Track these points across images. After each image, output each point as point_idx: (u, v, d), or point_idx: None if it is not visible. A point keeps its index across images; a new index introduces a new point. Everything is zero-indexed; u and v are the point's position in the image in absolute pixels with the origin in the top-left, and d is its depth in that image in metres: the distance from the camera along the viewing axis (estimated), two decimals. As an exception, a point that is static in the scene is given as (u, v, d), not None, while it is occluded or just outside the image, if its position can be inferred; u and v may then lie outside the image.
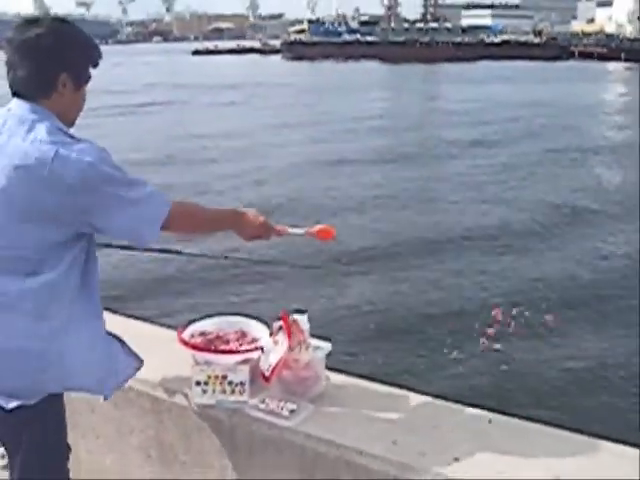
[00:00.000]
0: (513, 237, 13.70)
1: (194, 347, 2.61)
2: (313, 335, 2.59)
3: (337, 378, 2.73)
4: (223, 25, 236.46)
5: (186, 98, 42.75)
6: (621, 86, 61.83)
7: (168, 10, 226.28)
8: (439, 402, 2.60)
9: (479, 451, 2.25)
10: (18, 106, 2.17)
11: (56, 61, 2.18)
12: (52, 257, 2.15)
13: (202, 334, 2.74)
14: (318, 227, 2.69)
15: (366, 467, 2.27)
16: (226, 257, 3.30)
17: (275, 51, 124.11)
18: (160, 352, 2.89)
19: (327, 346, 2.63)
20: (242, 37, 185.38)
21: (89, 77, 2.31)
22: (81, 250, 2.23)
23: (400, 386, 2.71)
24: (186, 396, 2.63)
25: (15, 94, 2.20)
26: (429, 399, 2.61)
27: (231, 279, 10.91)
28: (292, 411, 2.46)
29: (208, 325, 2.84)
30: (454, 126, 30.73)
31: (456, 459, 2.21)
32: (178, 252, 3.04)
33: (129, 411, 2.84)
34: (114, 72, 60.03)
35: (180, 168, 20.41)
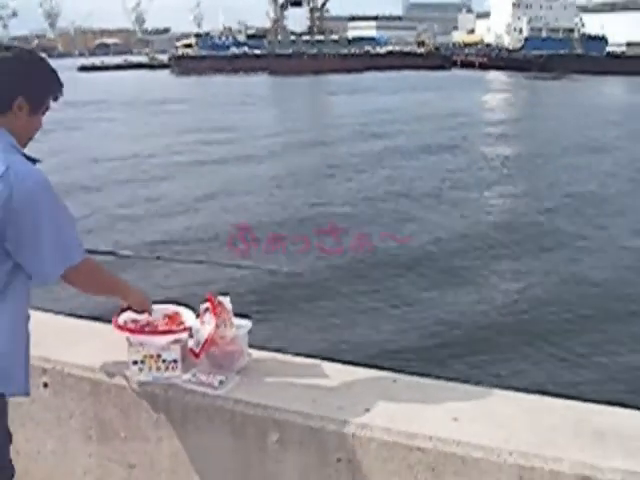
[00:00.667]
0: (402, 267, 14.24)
1: (130, 330, 2.89)
2: (236, 314, 2.92)
3: (259, 354, 3.06)
4: (109, 40, 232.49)
5: (75, 116, 42.20)
6: (501, 93, 64.34)
7: (51, 26, 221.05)
8: (352, 368, 2.97)
9: (386, 403, 2.64)
10: None
11: (15, 84, 2.43)
12: None
13: (134, 321, 3.02)
14: (172, 310, 3.05)
15: (292, 422, 2.61)
16: (158, 257, 3.56)
17: (163, 66, 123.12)
18: (96, 341, 3.19)
19: (248, 324, 2.96)
20: (129, 52, 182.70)
21: (47, 107, 2.56)
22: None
23: (315, 357, 3.08)
24: (124, 376, 2.91)
25: None
26: (342, 366, 2.98)
27: (159, 275, 11.78)
28: (221, 382, 2.78)
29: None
30: (343, 140, 31.50)
31: (367, 410, 2.58)
32: (112, 253, 3.28)
33: (69, 396, 3.08)
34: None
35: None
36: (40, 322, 2.93)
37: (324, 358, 3.06)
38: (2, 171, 2.26)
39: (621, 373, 9.37)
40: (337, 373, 2.91)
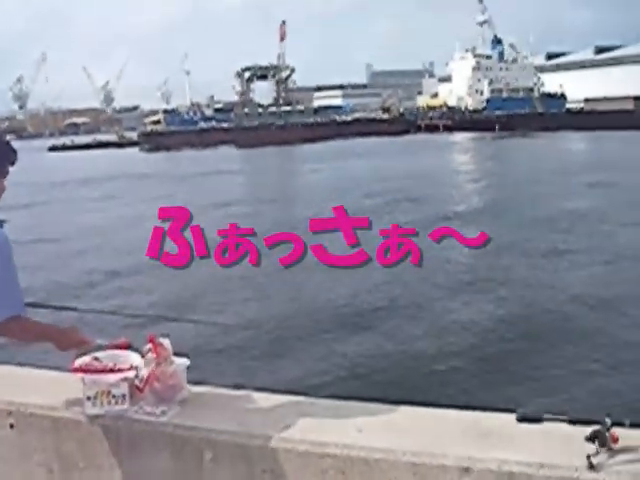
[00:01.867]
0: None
1: (85, 371, 3.34)
2: (175, 354, 3.39)
3: (197, 388, 3.52)
4: (78, 120, 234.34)
5: (44, 198, 42.60)
6: (465, 154, 65.87)
7: (21, 107, 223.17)
8: (275, 395, 3.44)
9: (302, 420, 3.11)
10: None
11: None
12: None
13: (88, 364, 3.47)
14: (119, 341, 3.52)
15: (223, 441, 3.06)
16: (115, 313, 4.05)
17: (133, 143, 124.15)
18: (54, 385, 3.65)
19: (186, 361, 3.43)
20: (98, 131, 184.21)
21: (7, 172, 3.11)
22: None
23: (245, 388, 3.56)
24: (80, 412, 3.36)
25: None
26: (268, 394, 3.46)
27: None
28: (163, 411, 3.24)
29: (90, 358, 3.58)
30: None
31: (286, 426, 3.06)
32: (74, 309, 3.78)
33: (31, 434, 3.50)
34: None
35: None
36: (5, 374, 3.40)
37: (254, 388, 3.55)
38: None
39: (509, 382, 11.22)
40: (263, 400, 3.37)
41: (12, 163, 3.15)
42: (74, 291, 17.50)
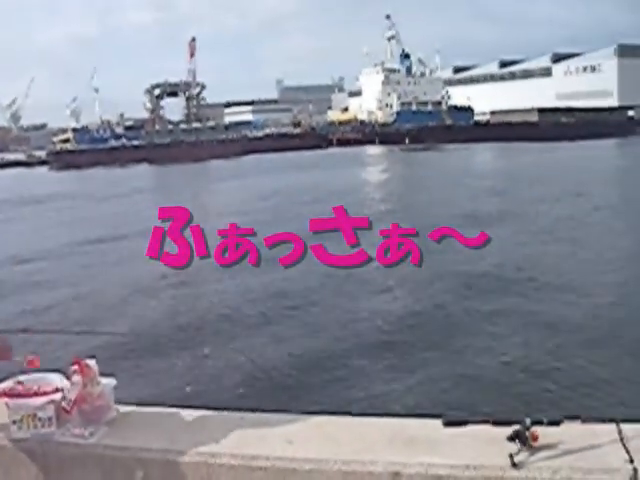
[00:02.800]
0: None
1: (9, 395, 3.30)
2: (101, 374, 3.36)
3: (125, 407, 3.50)
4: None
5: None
6: (375, 166, 66.92)
7: None
8: (205, 412, 3.47)
9: (232, 435, 3.14)
10: None
11: None
12: None
13: (11, 389, 3.42)
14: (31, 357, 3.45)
15: (153, 459, 3.07)
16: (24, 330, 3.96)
17: (42, 162, 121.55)
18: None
19: (113, 381, 3.41)
20: (7, 150, 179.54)
21: None
22: None
23: (175, 406, 3.57)
24: (4, 437, 3.30)
25: None
26: (197, 411, 3.47)
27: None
28: (91, 433, 3.22)
29: (14, 382, 3.53)
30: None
31: (216, 442, 3.07)
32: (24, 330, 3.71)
33: (-46, 463, 3.45)
34: None
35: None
36: None
37: (183, 406, 3.54)
38: None
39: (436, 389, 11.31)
40: (192, 416, 3.39)
41: None
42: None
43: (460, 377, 11.74)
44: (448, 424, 3.03)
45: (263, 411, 3.45)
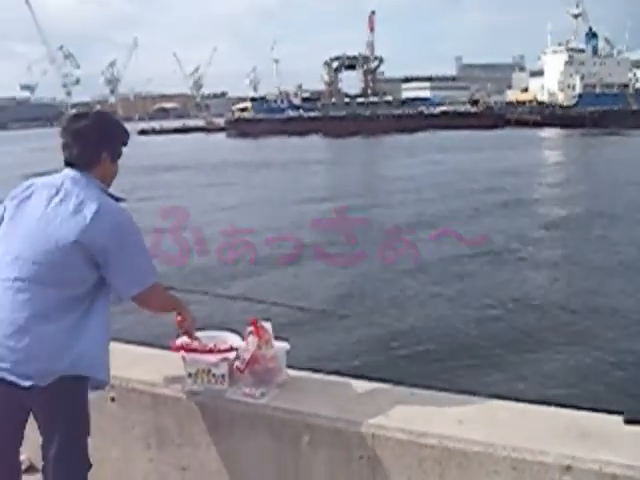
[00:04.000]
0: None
1: (186, 350, 3.38)
2: (276, 338, 3.39)
3: (296, 372, 3.53)
4: (168, 105, 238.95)
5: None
6: (555, 150, 64.45)
7: (112, 92, 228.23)
8: (375, 383, 3.43)
9: (401, 409, 3.09)
10: (73, 173, 2.98)
11: (101, 143, 3.04)
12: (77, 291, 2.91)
13: (188, 344, 3.51)
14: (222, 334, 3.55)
15: (321, 426, 3.07)
16: (206, 292, 4.06)
17: (220, 129, 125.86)
18: (154, 361, 3.72)
19: (287, 345, 3.44)
20: (187, 116, 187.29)
21: (121, 153, 3.16)
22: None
23: (344, 375, 3.55)
24: (179, 390, 3.40)
25: (69, 164, 3.01)
26: (367, 382, 3.43)
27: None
28: (262, 393, 3.26)
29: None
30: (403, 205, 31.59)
31: (385, 414, 3.04)
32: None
33: (131, 409, 3.57)
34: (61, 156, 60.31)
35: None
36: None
37: (353, 376, 3.52)
38: (97, 208, 2.84)
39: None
40: (362, 387, 3.36)
41: (124, 144, 3.20)
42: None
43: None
44: (630, 422, 2.85)
45: (434, 389, 3.37)
